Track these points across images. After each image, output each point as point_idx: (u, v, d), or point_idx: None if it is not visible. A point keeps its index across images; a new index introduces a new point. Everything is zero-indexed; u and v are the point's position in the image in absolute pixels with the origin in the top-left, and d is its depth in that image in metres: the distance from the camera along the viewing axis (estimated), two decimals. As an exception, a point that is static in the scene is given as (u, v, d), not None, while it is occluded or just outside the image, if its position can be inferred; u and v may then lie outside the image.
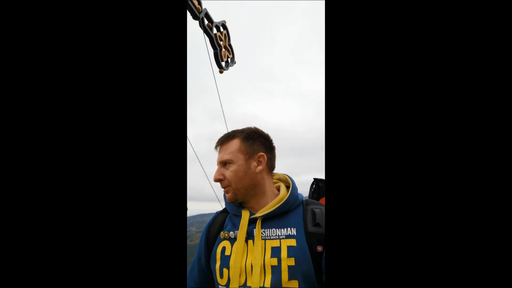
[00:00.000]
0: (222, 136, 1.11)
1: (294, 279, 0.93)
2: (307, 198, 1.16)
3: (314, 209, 1.04)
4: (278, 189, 1.14)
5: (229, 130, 1.16)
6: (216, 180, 1.07)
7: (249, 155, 1.08)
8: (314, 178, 1.57)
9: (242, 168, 1.06)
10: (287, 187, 1.14)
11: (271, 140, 1.16)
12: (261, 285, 0.95)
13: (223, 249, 1.04)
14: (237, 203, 1.11)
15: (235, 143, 1.09)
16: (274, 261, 0.96)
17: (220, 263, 1.02)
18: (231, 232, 1.06)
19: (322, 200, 1.52)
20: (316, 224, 1.01)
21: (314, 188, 1.56)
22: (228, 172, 1.06)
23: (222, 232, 1.08)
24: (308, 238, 0.98)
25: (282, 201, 1.05)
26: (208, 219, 1.20)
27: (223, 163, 1.07)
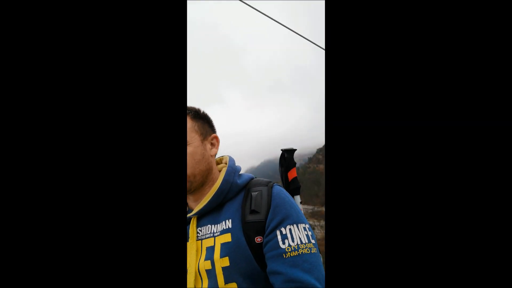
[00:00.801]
0: None
1: (232, 282, 0.79)
2: (258, 178, 0.96)
3: (252, 192, 0.86)
4: None
5: None
6: None
7: (204, 135, 0.92)
8: (281, 150, 1.36)
9: (199, 150, 0.88)
10: None
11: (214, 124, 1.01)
12: None
13: None
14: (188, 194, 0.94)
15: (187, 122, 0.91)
16: (208, 265, 0.82)
17: None
18: None
19: (291, 173, 1.30)
20: (252, 211, 0.83)
21: (280, 161, 1.33)
22: None
23: None
24: (245, 229, 0.81)
25: (214, 192, 0.88)
26: None
27: None
